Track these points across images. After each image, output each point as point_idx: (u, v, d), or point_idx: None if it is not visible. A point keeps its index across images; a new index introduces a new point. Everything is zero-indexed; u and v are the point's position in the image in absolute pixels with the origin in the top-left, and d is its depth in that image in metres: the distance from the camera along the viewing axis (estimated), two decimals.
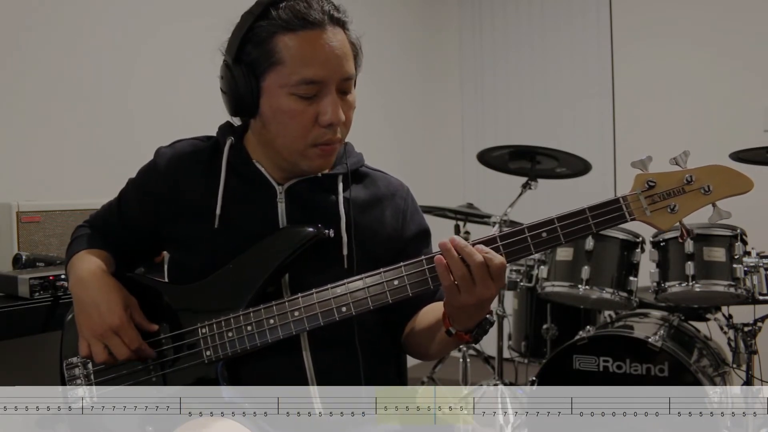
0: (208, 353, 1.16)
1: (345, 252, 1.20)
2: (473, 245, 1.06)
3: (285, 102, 1.13)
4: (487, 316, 1.13)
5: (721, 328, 2.41)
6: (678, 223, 1.08)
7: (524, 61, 4.15)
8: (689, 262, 2.14)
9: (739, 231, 2.17)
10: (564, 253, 2.37)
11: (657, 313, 2.49)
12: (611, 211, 1.07)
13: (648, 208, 1.07)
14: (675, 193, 1.06)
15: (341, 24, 1.15)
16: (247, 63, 1.14)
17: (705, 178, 1.06)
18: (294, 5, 1.12)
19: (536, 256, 2.50)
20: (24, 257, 1.96)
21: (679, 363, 2.02)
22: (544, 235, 1.07)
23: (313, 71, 1.11)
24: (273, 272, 1.17)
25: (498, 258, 1.05)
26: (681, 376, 2.02)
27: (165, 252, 1.34)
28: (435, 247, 1.12)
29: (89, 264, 1.25)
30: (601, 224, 1.07)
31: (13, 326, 1.74)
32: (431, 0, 4.43)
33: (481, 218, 2.86)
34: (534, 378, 2.19)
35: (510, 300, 2.93)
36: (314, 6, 1.12)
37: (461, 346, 2.81)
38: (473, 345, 2.77)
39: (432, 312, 1.26)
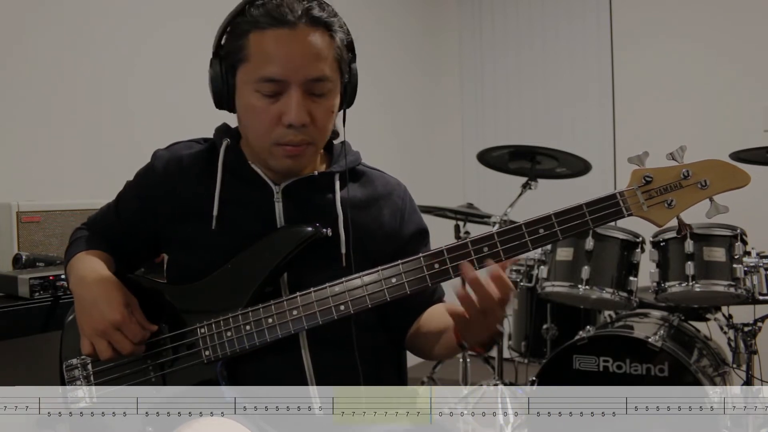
0: (207, 353, 1.16)
1: (343, 251, 1.20)
2: (471, 241, 1.06)
3: (250, 99, 1.14)
4: (498, 326, 1.12)
5: (721, 328, 2.41)
6: (675, 219, 1.07)
7: (524, 62, 4.15)
8: (689, 262, 2.14)
9: (739, 231, 2.16)
10: (564, 253, 2.36)
11: (657, 313, 2.49)
12: (608, 207, 1.06)
13: (645, 204, 1.06)
14: (672, 188, 1.05)
15: (322, 24, 1.13)
16: (223, 58, 1.16)
17: (702, 173, 1.05)
18: (268, 3, 1.12)
19: (536, 255, 2.49)
20: (24, 257, 1.96)
21: (679, 363, 2.02)
22: (541, 231, 1.07)
23: (273, 69, 1.11)
24: (271, 272, 1.17)
25: (509, 286, 1.04)
26: (681, 376, 2.01)
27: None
28: (434, 247, 1.11)
29: (89, 263, 1.25)
30: (599, 220, 1.06)
31: (13, 326, 1.74)
32: (431, 0, 4.44)
33: (481, 218, 2.86)
34: (534, 378, 2.18)
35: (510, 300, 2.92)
36: (286, 5, 1.11)
37: None
38: None
39: (438, 317, 1.26)
